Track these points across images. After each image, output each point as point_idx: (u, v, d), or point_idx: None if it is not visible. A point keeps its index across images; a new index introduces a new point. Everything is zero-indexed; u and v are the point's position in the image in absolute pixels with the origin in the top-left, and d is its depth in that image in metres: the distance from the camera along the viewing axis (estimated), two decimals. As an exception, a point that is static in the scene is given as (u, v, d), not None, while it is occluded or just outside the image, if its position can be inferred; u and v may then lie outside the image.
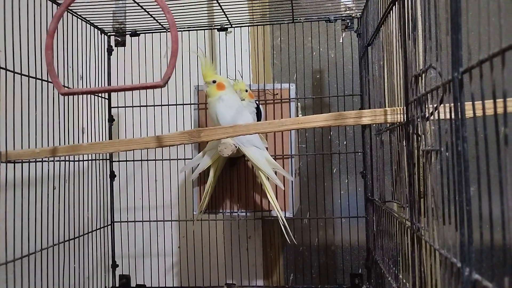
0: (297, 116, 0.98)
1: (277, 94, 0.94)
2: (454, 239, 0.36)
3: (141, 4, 0.89)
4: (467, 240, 0.32)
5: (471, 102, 0.32)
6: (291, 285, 1.14)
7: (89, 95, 1.03)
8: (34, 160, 0.76)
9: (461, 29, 0.33)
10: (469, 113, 0.33)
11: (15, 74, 0.72)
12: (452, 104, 0.34)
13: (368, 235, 0.98)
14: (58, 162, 0.88)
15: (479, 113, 0.33)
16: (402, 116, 0.58)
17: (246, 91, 0.91)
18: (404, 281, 0.60)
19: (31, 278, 0.74)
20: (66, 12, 0.66)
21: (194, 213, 0.93)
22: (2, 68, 0.69)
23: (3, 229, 0.69)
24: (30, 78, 0.76)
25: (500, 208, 0.27)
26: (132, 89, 0.49)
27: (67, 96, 0.95)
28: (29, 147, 0.74)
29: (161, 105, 1.05)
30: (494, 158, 0.28)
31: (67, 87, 0.94)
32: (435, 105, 0.43)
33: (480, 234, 0.31)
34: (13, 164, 0.71)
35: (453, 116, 0.34)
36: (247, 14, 1.01)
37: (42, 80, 0.79)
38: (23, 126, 0.74)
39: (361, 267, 1.05)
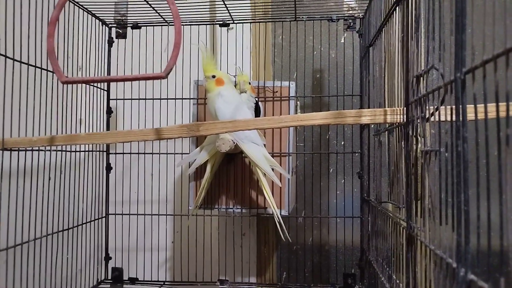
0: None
1: (276, 91, 0.94)
2: (450, 240, 0.36)
3: (143, -4, 0.89)
4: (463, 241, 0.32)
5: (473, 105, 0.32)
6: (284, 283, 1.14)
7: (88, 86, 1.03)
8: (30, 148, 0.76)
9: (465, 29, 0.33)
10: (470, 115, 0.33)
11: (15, 61, 0.71)
12: (454, 105, 0.34)
13: (363, 236, 0.99)
14: (55, 152, 0.87)
15: (481, 116, 0.33)
16: (402, 116, 0.58)
17: (250, 83, 0.90)
18: (398, 281, 0.60)
19: (23, 268, 0.74)
20: (68, 1, 0.65)
21: (190, 208, 0.93)
22: (2, 55, 0.69)
23: (-3, 217, 0.68)
24: (29, 66, 0.75)
25: (499, 208, 0.27)
26: (133, 79, 0.49)
27: (66, 86, 0.95)
28: (26, 136, 0.73)
29: (160, 99, 1.04)
30: (494, 162, 0.28)
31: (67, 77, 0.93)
32: (435, 107, 0.43)
33: (477, 235, 0.31)
34: (9, 152, 0.71)
35: (454, 117, 0.34)
36: (250, 10, 1.00)
37: (41, 68, 0.79)
38: (21, 114, 0.73)
39: (355, 267, 1.06)
